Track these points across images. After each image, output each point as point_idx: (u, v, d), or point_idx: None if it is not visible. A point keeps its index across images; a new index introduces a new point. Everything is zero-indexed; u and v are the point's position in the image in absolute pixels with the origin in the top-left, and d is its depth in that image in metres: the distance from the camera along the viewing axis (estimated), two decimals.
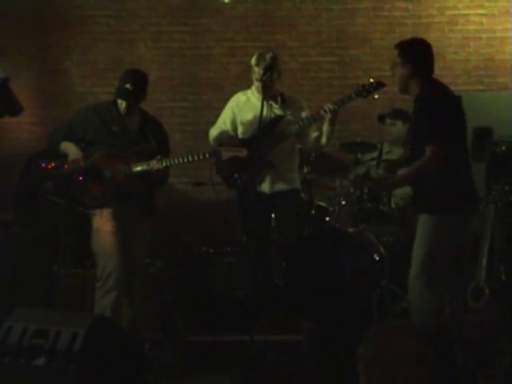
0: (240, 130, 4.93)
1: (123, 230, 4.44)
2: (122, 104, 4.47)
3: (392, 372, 1.88)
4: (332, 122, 4.67)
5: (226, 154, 4.47)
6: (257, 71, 4.73)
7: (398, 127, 5.59)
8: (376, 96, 4.68)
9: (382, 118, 5.77)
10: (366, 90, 4.62)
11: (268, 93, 4.67)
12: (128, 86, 4.41)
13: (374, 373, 1.90)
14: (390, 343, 1.92)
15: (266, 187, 4.83)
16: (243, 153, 4.43)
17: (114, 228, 4.40)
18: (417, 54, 4.10)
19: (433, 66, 4.15)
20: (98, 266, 4.44)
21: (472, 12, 6.75)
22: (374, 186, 4.59)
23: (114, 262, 4.34)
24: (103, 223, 4.42)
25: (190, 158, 4.47)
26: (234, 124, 4.95)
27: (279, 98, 4.89)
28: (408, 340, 1.93)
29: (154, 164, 4.39)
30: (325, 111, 4.61)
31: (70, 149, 4.48)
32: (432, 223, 3.95)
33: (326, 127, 4.72)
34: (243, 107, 4.92)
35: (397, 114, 5.61)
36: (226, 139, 4.90)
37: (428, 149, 3.92)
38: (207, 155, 4.50)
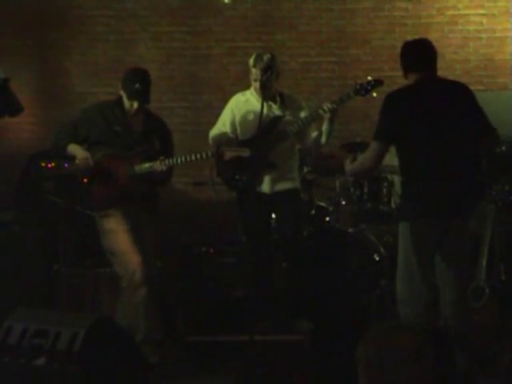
0: (239, 130, 4.92)
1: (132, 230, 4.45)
2: (133, 105, 4.46)
3: (392, 372, 1.88)
4: (331, 121, 4.67)
5: (228, 154, 4.48)
6: (254, 72, 4.72)
7: None
8: (375, 94, 4.67)
9: None
10: (365, 89, 4.62)
11: (267, 93, 4.67)
12: (138, 85, 4.42)
13: (373, 373, 1.90)
14: (390, 343, 1.92)
15: (266, 187, 4.83)
16: (246, 153, 4.43)
17: (128, 226, 4.39)
18: (402, 54, 4.08)
19: (418, 63, 4.04)
20: (117, 267, 4.42)
21: (472, 12, 6.75)
22: None
23: (137, 259, 4.32)
24: (116, 223, 4.40)
25: (193, 157, 4.49)
26: (233, 125, 4.94)
27: (278, 98, 4.88)
28: (408, 339, 1.94)
29: (157, 165, 4.40)
30: (324, 111, 4.61)
31: (78, 151, 4.47)
32: (399, 231, 3.95)
33: (325, 126, 4.72)
34: (242, 108, 4.92)
35: None
36: (224, 141, 4.89)
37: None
38: (210, 154, 4.51)
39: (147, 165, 4.42)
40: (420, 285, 3.84)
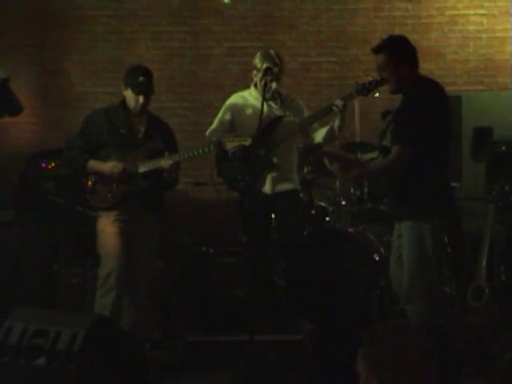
0: (239, 130, 4.89)
1: (130, 231, 4.45)
2: (139, 100, 4.46)
3: (400, 372, 1.88)
4: (342, 118, 4.69)
5: (229, 144, 4.49)
6: (260, 69, 4.70)
7: None
8: (377, 94, 4.68)
9: (386, 115, 5.74)
10: (367, 89, 4.62)
11: (273, 92, 4.71)
12: (142, 78, 4.44)
13: (380, 373, 1.89)
14: (399, 343, 1.92)
15: (267, 188, 4.83)
16: (247, 141, 4.45)
17: (118, 229, 4.41)
18: (409, 51, 4.05)
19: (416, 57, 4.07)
20: (100, 266, 4.46)
21: (472, 12, 6.75)
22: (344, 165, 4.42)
23: (114, 263, 4.35)
24: (107, 224, 4.43)
25: (196, 152, 4.49)
26: (232, 125, 4.91)
27: (279, 99, 4.87)
28: (418, 338, 1.93)
29: (162, 161, 4.41)
30: (337, 108, 4.62)
31: (102, 166, 4.45)
32: (418, 230, 3.89)
33: (337, 123, 4.72)
34: (242, 108, 4.90)
35: None
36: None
37: (394, 148, 3.89)
38: (211, 146, 4.52)
39: (150, 163, 4.43)
40: (435, 281, 3.91)
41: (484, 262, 4.22)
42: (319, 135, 4.86)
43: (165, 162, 4.41)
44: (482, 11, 6.74)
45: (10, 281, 4.95)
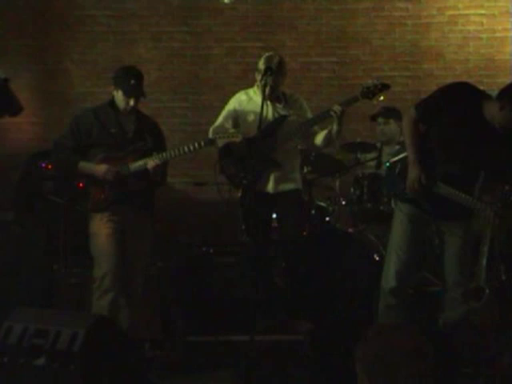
0: (243, 129, 4.88)
1: (123, 231, 4.44)
2: (129, 102, 4.45)
3: (392, 372, 1.88)
4: (340, 123, 4.69)
5: (221, 141, 4.48)
6: (261, 70, 4.70)
7: (392, 126, 5.58)
8: (381, 98, 4.67)
9: (374, 118, 5.76)
10: (372, 92, 4.62)
11: (273, 94, 4.70)
12: (133, 81, 4.42)
13: (375, 372, 1.90)
14: (391, 343, 1.92)
15: (269, 187, 4.83)
16: (238, 138, 4.46)
17: (111, 230, 4.39)
18: None
19: None
20: (95, 268, 4.45)
21: (472, 12, 6.76)
22: None
23: (110, 264, 4.34)
24: (100, 226, 4.41)
25: (186, 149, 4.44)
26: (236, 123, 4.92)
27: (283, 98, 4.88)
28: (408, 339, 1.94)
29: (151, 161, 4.39)
30: (334, 113, 4.61)
31: (94, 168, 4.43)
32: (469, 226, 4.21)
33: (335, 127, 4.72)
34: (246, 106, 4.91)
35: (389, 113, 5.59)
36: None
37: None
38: (202, 144, 4.48)
39: (141, 162, 4.41)
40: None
41: (484, 262, 4.22)
42: (319, 138, 4.87)
43: (152, 162, 4.40)
44: (482, 11, 6.74)
45: (10, 281, 4.95)
